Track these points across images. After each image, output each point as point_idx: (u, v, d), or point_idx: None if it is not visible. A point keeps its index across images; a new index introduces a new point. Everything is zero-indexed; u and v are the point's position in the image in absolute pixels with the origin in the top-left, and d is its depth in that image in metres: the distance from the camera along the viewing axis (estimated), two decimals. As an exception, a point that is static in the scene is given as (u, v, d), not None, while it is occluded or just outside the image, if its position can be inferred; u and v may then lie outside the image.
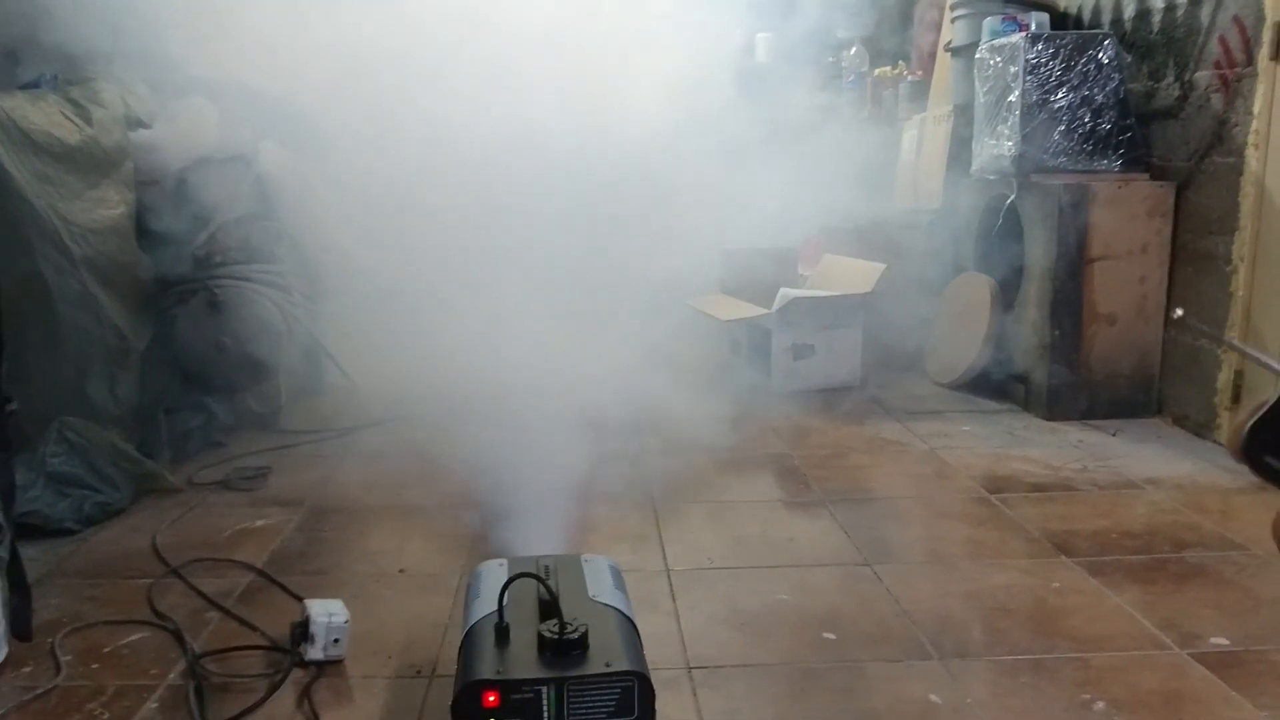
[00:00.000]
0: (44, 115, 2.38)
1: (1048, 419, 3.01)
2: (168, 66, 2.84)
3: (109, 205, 2.54)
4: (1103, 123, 3.05)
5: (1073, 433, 2.89)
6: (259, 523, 2.26)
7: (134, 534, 2.19)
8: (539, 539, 1.92)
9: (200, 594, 1.88)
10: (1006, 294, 3.25)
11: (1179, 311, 2.73)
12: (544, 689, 1.21)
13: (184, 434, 2.71)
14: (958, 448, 2.76)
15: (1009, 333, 3.24)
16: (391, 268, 2.93)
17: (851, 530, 2.18)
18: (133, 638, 1.72)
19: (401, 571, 1.99)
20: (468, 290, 2.88)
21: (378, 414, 2.90)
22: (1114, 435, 2.85)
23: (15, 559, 1.66)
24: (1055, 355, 3.01)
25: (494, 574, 1.48)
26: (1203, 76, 2.81)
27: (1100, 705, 1.49)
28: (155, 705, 1.50)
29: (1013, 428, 2.96)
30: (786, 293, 3.40)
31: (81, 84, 2.58)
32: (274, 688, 1.54)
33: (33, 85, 2.51)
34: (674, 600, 1.85)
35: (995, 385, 3.27)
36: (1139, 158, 3.05)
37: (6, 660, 1.62)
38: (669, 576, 1.96)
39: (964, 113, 3.60)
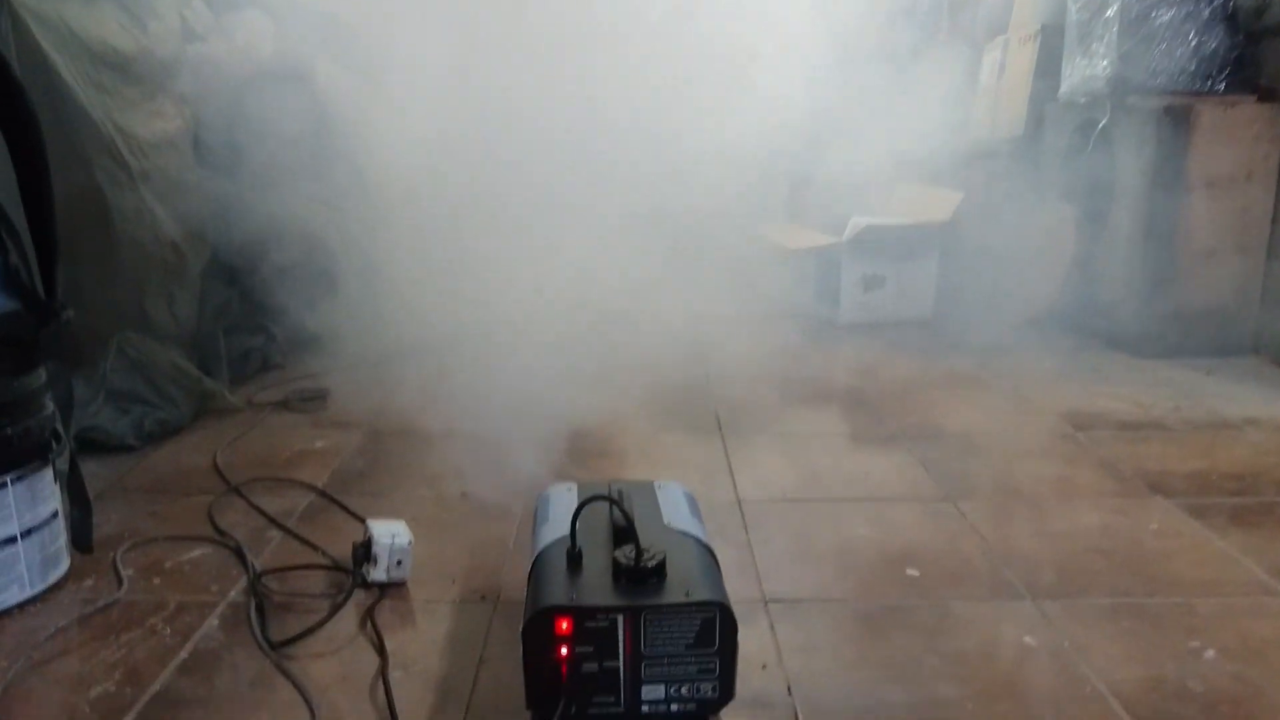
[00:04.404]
0: (99, 22, 2.31)
1: (1135, 356, 2.86)
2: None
3: (166, 118, 2.47)
4: (1208, 40, 2.84)
5: (1162, 370, 2.73)
6: (318, 444, 2.22)
7: (194, 452, 2.17)
8: (605, 465, 1.85)
9: (261, 512, 1.85)
10: (1093, 225, 3.08)
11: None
12: (619, 617, 1.14)
13: (243, 355, 2.68)
14: (1039, 384, 2.63)
15: (1095, 266, 3.07)
16: (453, 189, 2.85)
17: (930, 465, 2.08)
18: (194, 554, 1.69)
19: (463, 495, 1.93)
20: (529, 213, 2.80)
21: (436, 338, 2.83)
22: (1208, 374, 2.69)
23: (75, 473, 1.63)
24: (1145, 289, 2.84)
25: (563, 498, 1.41)
26: (1325, -13, 2.58)
27: (1210, 654, 1.38)
28: (216, 622, 1.47)
29: (1098, 365, 2.81)
30: (858, 221, 3.25)
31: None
32: (336, 608, 1.49)
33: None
34: (747, 532, 1.77)
35: (1078, 321, 3.11)
36: (1247, 79, 2.84)
37: (69, 573, 1.60)
38: (740, 508, 1.88)
39: (1052, 33, 3.39)
